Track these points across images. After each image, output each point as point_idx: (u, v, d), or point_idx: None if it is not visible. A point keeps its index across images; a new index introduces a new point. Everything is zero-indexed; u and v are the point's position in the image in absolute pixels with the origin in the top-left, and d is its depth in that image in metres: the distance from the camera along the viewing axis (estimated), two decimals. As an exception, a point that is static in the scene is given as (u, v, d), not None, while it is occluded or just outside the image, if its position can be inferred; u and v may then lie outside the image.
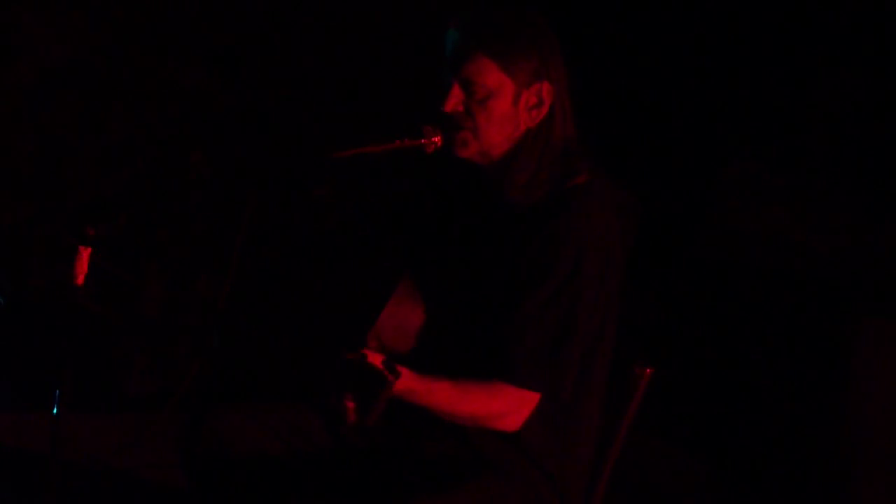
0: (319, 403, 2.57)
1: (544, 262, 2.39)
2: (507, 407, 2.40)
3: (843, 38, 4.01)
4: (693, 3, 4.24)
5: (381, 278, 2.57)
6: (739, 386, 4.00)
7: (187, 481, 2.57)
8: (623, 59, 4.34)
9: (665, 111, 4.28)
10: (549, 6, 2.56)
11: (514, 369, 2.37)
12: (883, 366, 3.65)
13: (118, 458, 3.86)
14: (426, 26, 2.72)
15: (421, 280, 2.55)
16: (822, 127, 4.11)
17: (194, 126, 4.46)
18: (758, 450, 3.92)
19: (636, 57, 4.33)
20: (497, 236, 2.48)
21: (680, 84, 4.27)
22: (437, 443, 2.50)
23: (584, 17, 4.26)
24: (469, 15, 2.46)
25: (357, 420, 2.22)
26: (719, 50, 4.21)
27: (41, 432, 2.59)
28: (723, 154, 4.19)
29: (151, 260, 4.42)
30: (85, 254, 2.31)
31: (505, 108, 2.46)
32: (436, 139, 2.47)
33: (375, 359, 2.23)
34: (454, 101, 2.46)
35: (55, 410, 2.38)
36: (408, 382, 2.31)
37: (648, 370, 2.58)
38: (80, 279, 2.33)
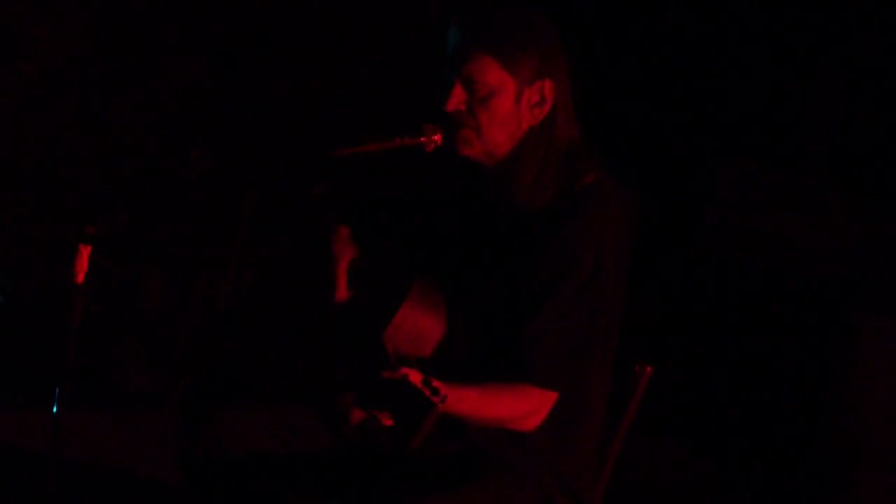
0: (321, 405, 2.57)
1: (563, 265, 2.38)
2: (531, 408, 2.40)
3: (843, 39, 4.02)
4: (694, 3, 4.24)
5: (388, 278, 2.57)
6: (739, 384, 4.00)
7: (185, 480, 2.57)
8: (623, 58, 4.34)
9: (665, 110, 4.28)
10: (550, 4, 2.56)
11: (537, 370, 2.37)
12: (883, 364, 3.65)
13: (117, 456, 3.86)
14: (427, 24, 2.72)
15: (434, 283, 2.55)
16: (822, 126, 4.11)
17: (194, 125, 4.46)
18: (758, 448, 3.92)
19: (636, 56, 4.33)
20: (510, 238, 2.47)
21: (680, 83, 4.27)
22: (442, 442, 2.50)
23: (585, 15, 4.26)
24: (470, 13, 2.46)
25: (401, 442, 2.19)
26: (719, 49, 4.21)
27: (41, 430, 2.58)
28: (723, 153, 4.19)
29: (151, 258, 4.42)
30: (85, 252, 2.31)
31: (507, 107, 2.45)
32: (436, 137, 2.47)
33: (415, 376, 2.20)
34: (456, 99, 2.45)
35: (55, 408, 2.38)
36: (447, 401, 2.31)
37: (648, 368, 2.58)
38: (80, 277, 2.33)
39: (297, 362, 4.25)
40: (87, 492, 3.60)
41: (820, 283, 3.92)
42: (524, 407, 2.40)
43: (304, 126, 4.46)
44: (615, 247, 2.41)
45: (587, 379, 2.43)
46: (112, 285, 4.35)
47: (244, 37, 4.49)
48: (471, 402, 2.35)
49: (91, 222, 2.32)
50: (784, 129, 4.16)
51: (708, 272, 4.13)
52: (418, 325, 2.48)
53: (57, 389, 2.36)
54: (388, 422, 2.19)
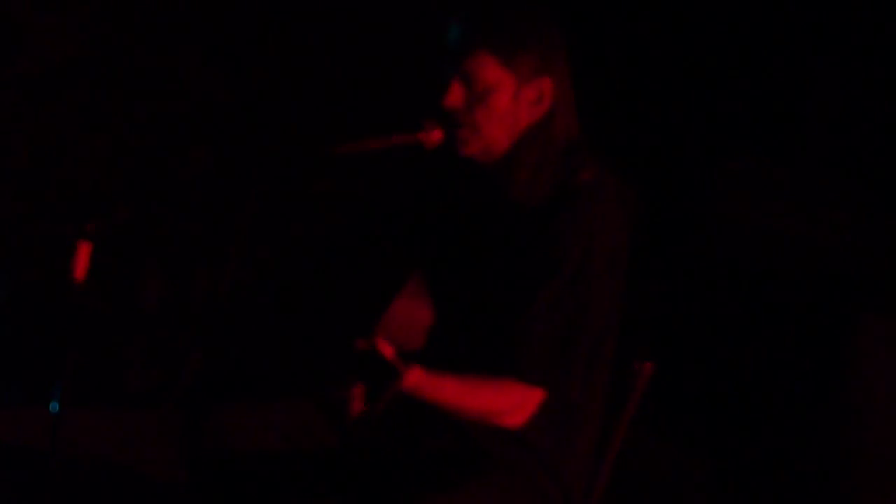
0: (323, 396, 2.57)
1: (552, 260, 2.38)
2: (514, 403, 2.40)
3: (844, 34, 4.01)
4: (693, 0, 4.24)
5: (386, 273, 2.58)
6: (739, 382, 4.00)
7: (189, 478, 2.57)
8: (623, 54, 4.34)
9: (666, 106, 4.28)
10: (550, 1, 2.56)
11: (521, 366, 2.37)
12: (884, 362, 3.65)
13: (117, 454, 3.86)
14: (428, 21, 2.72)
15: (429, 277, 2.55)
16: (823, 123, 4.11)
17: (194, 122, 4.46)
18: (758, 447, 3.92)
19: (636, 53, 4.33)
20: (503, 234, 2.47)
21: (681, 79, 4.27)
22: (441, 440, 2.50)
23: (585, 12, 4.25)
24: (470, 10, 2.46)
25: (364, 409, 2.23)
26: (720, 45, 4.20)
27: (41, 428, 2.59)
28: (724, 149, 4.19)
29: (151, 256, 4.42)
30: (85, 250, 2.31)
31: (505, 104, 2.45)
32: (436, 135, 2.47)
33: (387, 349, 2.24)
34: (454, 96, 2.45)
35: (55, 406, 2.38)
36: (417, 378, 2.31)
37: (648, 366, 2.58)
38: (80, 275, 2.32)
39: (297, 358, 4.25)
40: (86, 489, 3.60)
41: (821, 282, 3.92)
42: (506, 402, 2.40)
43: (303, 124, 4.45)
44: (607, 244, 2.41)
45: (578, 377, 2.42)
46: (112, 283, 4.35)
47: (245, 35, 4.49)
48: (450, 391, 2.35)
49: (91, 220, 2.32)
50: (785, 126, 4.16)
51: (708, 270, 4.12)
52: (412, 317, 2.49)
53: (57, 387, 2.36)
54: (358, 391, 2.24)
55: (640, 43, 4.32)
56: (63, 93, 4.29)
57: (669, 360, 2.73)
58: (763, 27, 4.14)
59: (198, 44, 4.44)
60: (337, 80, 4.51)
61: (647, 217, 2.59)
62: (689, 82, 4.26)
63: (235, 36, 4.48)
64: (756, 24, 4.15)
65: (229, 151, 4.46)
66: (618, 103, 4.24)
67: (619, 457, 2.62)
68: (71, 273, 2.32)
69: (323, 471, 2.58)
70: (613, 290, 2.45)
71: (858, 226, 3.93)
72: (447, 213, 2.63)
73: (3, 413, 3.91)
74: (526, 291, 2.39)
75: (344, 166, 2.45)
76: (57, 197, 4.30)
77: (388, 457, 2.56)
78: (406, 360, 2.24)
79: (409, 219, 2.73)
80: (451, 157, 2.49)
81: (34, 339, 4.15)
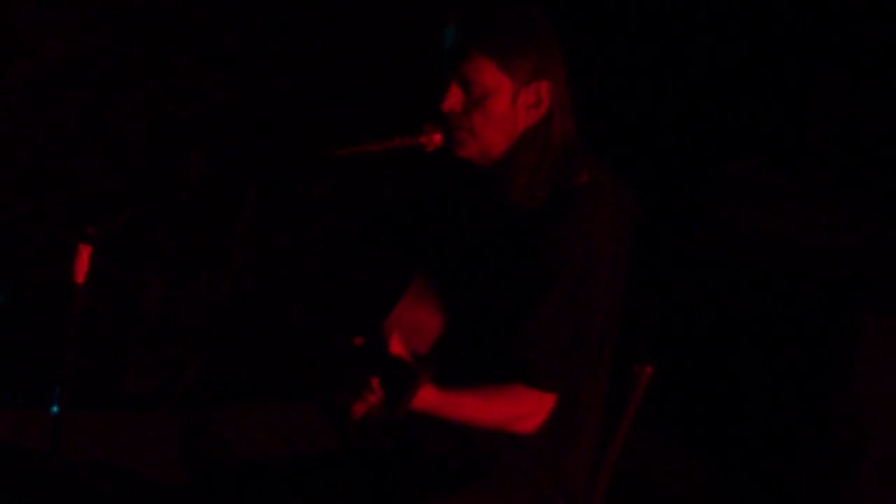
0: (325, 399, 2.57)
1: (554, 265, 2.38)
2: (527, 410, 2.40)
3: (845, 39, 4.01)
4: (695, 3, 4.24)
5: (387, 276, 2.57)
6: (740, 384, 4.00)
7: (190, 480, 2.57)
8: (624, 58, 4.34)
9: (667, 110, 4.28)
10: (549, 3, 2.56)
11: (532, 373, 2.37)
12: (884, 363, 3.65)
13: (117, 456, 3.86)
14: (426, 24, 2.72)
15: (431, 280, 2.55)
16: (824, 126, 4.11)
17: (194, 125, 4.46)
18: (758, 448, 3.92)
19: (637, 56, 4.33)
20: (503, 238, 2.47)
21: (682, 83, 4.27)
22: (441, 443, 2.50)
23: (585, 15, 4.26)
24: (467, 13, 2.46)
25: (383, 413, 2.23)
26: (721, 49, 4.21)
27: (41, 430, 2.59)
28: (724, 153, 4.19)
29: (151, 259, 4.43)
30: (85, 252, 2.31)
31: (503, 107, 2.45)
32: (436, 137, 2.47)
33: (400, 349, 2.24)
34: (452, 100, 2.45)
35: (55, 408, 2.38)
36: (435, 400, 2.32)
37: (648, 369, 2.58)
38: (81, 278, 2.33)
39: (298, 362, 4.25)
40: (86, 491, 3.60)
41: (821, 282, 3.92)
42: (520, 409, 2.40)
43: (303, 126, 4.46)
44: (608, 247, 2.41)
45: (582, 380, 2.43)
46: (112, 285, 4.35)
47: (244, 37, 4.49)
48: (468, 408, 2.36)
49: (91, 222, 2.32)
50: (786, 130, 4.16)
51: (708, 272, 4.13)
52: (417, 320, 2.49)
53: (57, 389, 2.36)
54: (373, 397, 2.23)
55: (643, 47, 4.33)
56: (63, 96, 4.29)
57: (670, 363, 2.73)
58: (765, 32, 4.15)
59: (198, 47, 4.44)
60: (337, 83, 4.51)
61: (648, 219, 2.59)
62: (691, 86, 4.26)
63: (235, 40, 4.49)
64: (758, 29, 4.15)
65: (230, 155, 4.46)
66: (621, 107, 4.24)
67: (620, 459, 2.62)
68: (71, 276, 2.32)
69: (324, 474, 2.58)
70: (614, 292, 2.46)
71: (858, 228, 3.94)
72: (447, 215, 2.63)
73: (4, 415, 3.91)
74: (530, 295, 2.39)
75: (344, 169, 2.44)
76: (57, 200, 4.30)
77: (389, 460, 2.56)
78: (420, 363, 2.25)
79: (410, 222, 2.73)
80: (451, 160, 2.49)
81: (34, 341, 4.15)
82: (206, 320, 4.47)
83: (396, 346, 2.27)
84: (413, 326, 2.47)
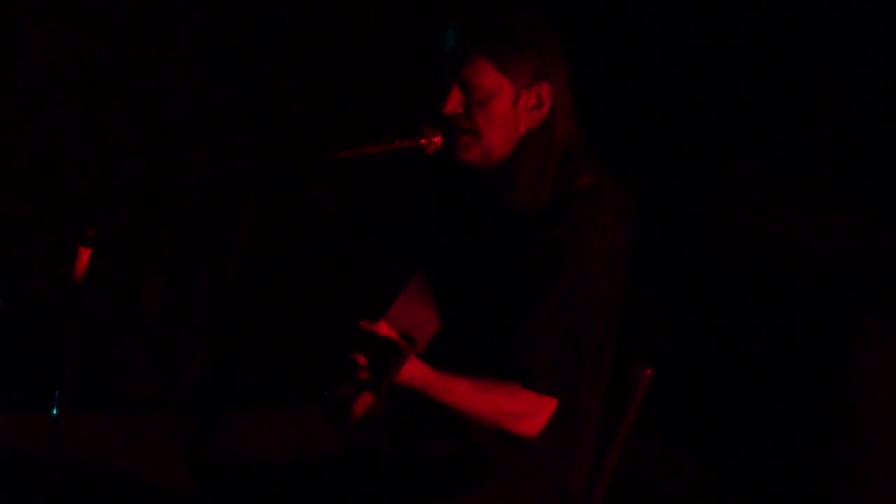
0: (326, 396, 2.57)
1: (552, 266, 2.38)
2: (525, 409, 2.40)
3: (844, 38, 4.01)
4: (694, 3, 4.24)
5: (387, 277, 2.58)
6: (739, 387, 4.00)
7: (194, 483, 2.57)
8: (623, 59, 4.34)
9: (666, 112, 4.28)
10: (549, 5, 2.55)
11: (530, 374, 2.37)
12: (883, 366, 3.65)
13: (118, 459, 3.86)
14: (427, 25, 2.72)
15: (431, 280, 2.55)
16: (823, 128, 4.11)
17: (194, 126, 4.46)
18: (758, 451, 3.91)
19: (636, 57, 4.33)
20: (504, 239, 2.47)
21: (681, 84, 4.27)
22: (442, 444, 2.50)
23: (585, 16, 4.26)
24: (467, 16, 2.45)
25: (369, 390, 2.23)
26: (720, 50, 4.20)
27: (41, 432, 2.58)
28: (723, 155, 4.19)
29: (151, 260, 4.42)
30: (85, 254, 2.31)
31: (504, 110, 2.45)
32: (436, 139, 2.47)
33: (388, 330, 2.25)
34: (453, 103, 2.45)
35: (55, 411, 2.38)
36: (426, 377, 2.31)
37: (648, 371, 2.58)
38: (81, 279, 2.32)
39: (298, 362, 4.25)
40: (86, 494, 3.60)
41: (821, 285, 3.92)
42: (516, 406, 2.39)
43: (304, 128, 4.46)
44: (607, 249, 2.41)
45: (584, 382, 2.42)
46: (112, 287, 4.35)
47: (244, 39, 4.49)
48: (460, 393, 2.35)
49: (91, 224, 2.32)
50: (787, 132, 4.16)
51: (708, 274, 4.12)
52: (415, 316, 2.49)
53: (57, 391, 2.36)
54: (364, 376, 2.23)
55: (643, 49, 4.33)
56: (63, 97, 4.29)
57: (669, 365, 2.72)
58: (764, 33, 4.14)
59: (198, 49, 4.45)
60: (337, 84, 4.51)
61: (648, 221, 2.59)
62: (690, 88, 4.26)
63: (236, 41, 4.49)
64: (758, 30, 4.15)
65: (229, 156, 4.46)
66: (619, 108, 4.24)
67: (620, 460, 2.62)
68: (71, 277, 2.31)
69: (327, 476, 2.58)
70: (613, 295, 2.45)
71: (860, 231, 3.93)
72: (448, 217, 2.63)
73: (4, 418, 3.91)
74: (529, 297, 2.39)
75: (344, 171, 2.44)
76: (57, 202, 4.30)
77: (391, 461, 2.56)
78: (411, 338, 2.25)
79: (410, 223, 2.74)
80: (452, 162, 2.49)
81: (34, 343, 4.15)
82: (207, 322, 4.47)
83: (384, 328, 2.27)
84: (410, 323, 2.47)
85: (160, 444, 3.92)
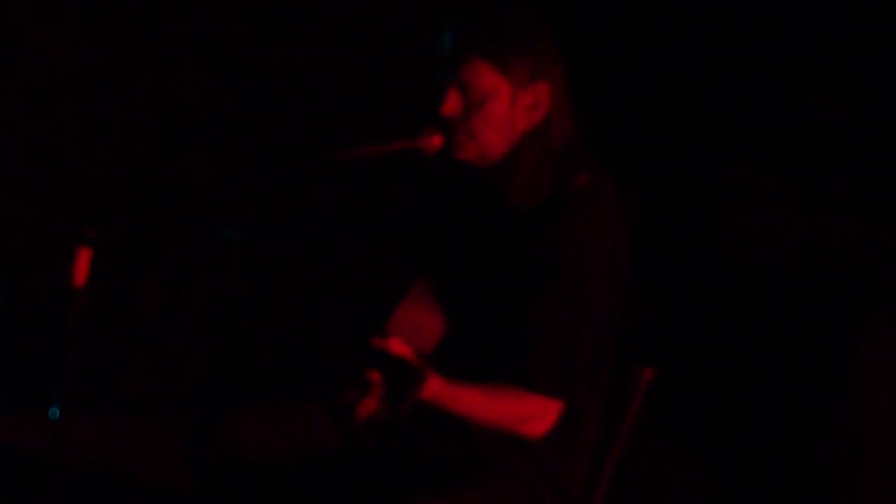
0: (328, 399, 2.56)
1: (551, 268, 2.38)
2: (531, 412, 2.39)
3: (845, 40, 4.01)
4: (694, 4, 4.24)
5: (387, 278, 2.58)
6: (741, 387, 4.00)
7: (194, 484, 2.57)
8: (624, 60, 4.34)
9: (666, 112, 4.28)
10: (548, 5, 2.55)
11: (533, 377, 2.37)
12: (885, 366, 3.65)
13: (118, 460, 3.86)
14: (426, 26, 2.72)
15: (432, 283, 2.55)
16: (824, 128, 4.11)
17: (194, 127, 4.46)
18: (760, 451, 3.91)
19: (637, 58, 4.33)
20: (502, 240, 2.47)
21: (681, 85, 4.27)
22: (441, 445, 2.50)
23: (584, 16, 4.26)
24: (463, 17, 2.45)
25: (385, 412, 2.21)
26: (721, 51, 4.20)
27: (41, 434, 2.58)
28: (725, 155, 4.19)
29: (152, 261, 4.42)
30: (85, 255, 2.31)
31: (501, 110, 2.45)
32: (434, 140, 2.47)
33: (404, 349, 2.22)
34: (451, 104, 2.45)
35: (55, 411, 2.38)
36: (438, 388, 2.31)
37: (649, 371, 2.58)
38: (81, 281, 2.32)
39: (298, 363, 4.25)
40: (86, 495, 3.60)
41: (822, 285, 3.92)
42: (524, 409, 2.39)
43: (303, 129, 4.46)
44: (605, 248, 2.41)
45: (584, 383, 2.42)
46: (112, 288, 4.35)
47: (244, 41, 4.49)
48: (469, 401, 2.34)
49: (91, 226, 2.32)
50: (787, 133, 4.16)
51: (709, 274, 4.12)
52: (418, 322, 2.48)
53: (57, 392, 2.36)
54: (374, 399, 2.20)
55: (642, 49, 4.33)
56: (63, 99, 4.29)
57: (670, 365, 2.72)
58: (766, 34, 4.14)
59: (197, 51, 4.45)
60: (336, 86, 4.51)
61: (648, 222, 2.59)
62: (691, 89, 4.26)
63: (234, 44, 4.49)
64: (759, 30, 4.15)
65: (229, 158, 4.46)
66: (619, 110, 4.24)
67: (620, 461, 2.62)
68: (71, 279, 2.32)
69: (328, 476, 2.58)
70: (613, 294, 2.45)
71: (860, 231, 3.93)
72: (447, 218, 2.63)
73: (4, 419, 3.91)
74: (529, 298, 2.39)
75: (343, 172, 2.44)
76: (57, 203, 4.30)
77: (390, 462, 2.56)
78: (423, 359, 2.22)
79: (409, 224, 2.73)
80: (450, 163, 2.49)
81: (34, 344, 4.15)
82: (207, 323, 4.47)
83: (398, 345, 2.26)
84: (414, 330, 2.46)
85: (160, 444, 3.92)
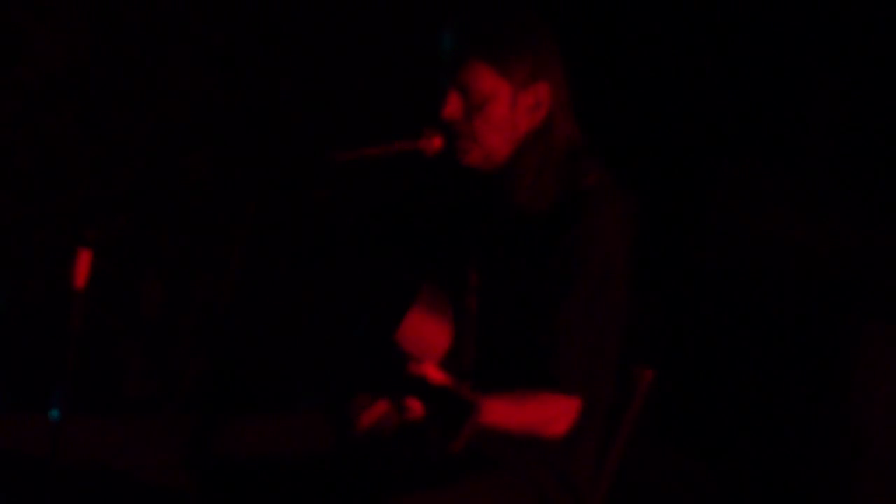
0: (332, 410, 2.56)
1: (573, 268, 2.38)
2: (555, 413, 2.39)
3: (844, 38, 4.01)
4: (692, 2, 4.24)
5: (388, 282, 2.57)
6: (741, 388, 4.00)
7: (193, 485, 2.57)
8: (621, 58, 4.34)
9: (664, 111, 4.28)
10: (545, 4, 2.55)
11: (559, 378, 2.36)
12: (885, 367, 3.65)
13: (118, 461, 3.85)
14: (428, 26, 2.72)
15: (440, 290, 2.55)
16: (823, 127, 4.11)
17: (193, 127, 4.46)
18: (760, 452, 3.91)
19: (634, 56, 4.33)
20: (514, 243, 2.47)
21: (679, 84, 4.27)
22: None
23: (582, 15, 4.25)
24: (462, 19, 2.45)
25: (440, 446, 2.13)
26: (719, 49, 4.20)
27: (41, 435, 2.58)
28: (723, 155, 4.19)
29: (152, 262, 4.42)
30: (85, 256, 2.31)
31: (503, 112, 2.45)
32: (435, 142, 2.46)
33: (444, 378, 2.14)
34: (452, 107, 2.45)
35: (55, 413, 2.38)
36: (486, 412, 2.28)
37: (649, 372, 2.58)
38: (81, 282, 2.32)
39: (298, 366, 4.25)
40: (85, 495, 3.60)
41: (822, 286, 3.92)
42: (550, 412, 2.39)
43: (303, 130, 4.45)
44: (623, 246, 2.42)
45: (610, 382, 2.43)
46: (112, 289, 4.35)
47: (244, 42, 4.49)
48: (499, 413, 2.29)
49: (91, 226, 2.32)
50: (786, 132, 4.15)
51: (708, 274, 4.12)
52: (425, 333, 2.48)
53: (57, 393, 2.36)
54: (414, 413, 2.11)
55: (638, 47, 4.32)
56: (62, 99, 4.29)
57: (670, 366, 2.72)
58: (764, 32, 4.14)
59: (197, 51, 4.44)
60: (337, 86, 4.51)
61: (646, 221, 2.59)
62: (688, 87, 4.26)
63: (234, 43, 4.49)
64: (757, 29, 4.15)
65: (229, 158, 4.46)
66: (616, 109, 4.24)
67: (621, 462, 2.62)
68: (71, 280, 2.31)
69: (323, 477, 2.58)
70: (628, 293, 2.46)
71: (860, 232, 3.93)
72: (451, 221, 2.62)
73: (4, 420, 3.91)
74: (550, 301, 2.38)
75: (344, 173, 2.44)
76: (57, 203, 4.30)
77: (386, 460, 2.56)
78: (470, 388, 2.15)
79: (412, 226, 2.73)
80: (453, 165, 2.49)
81: (34, 345, 4.14)
82: (207, 324, 4.47)
83: (436, 373, 2.15)
84: (421, 341, 2.46)
85: (159, 445, 3.92)
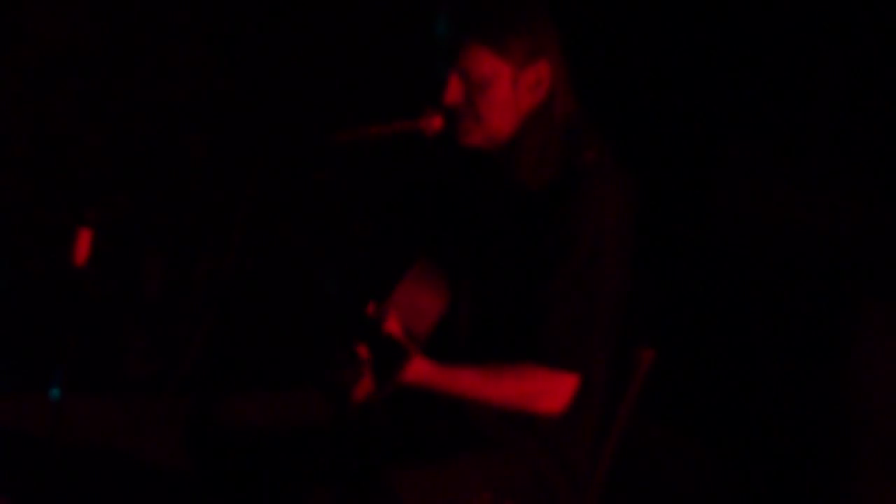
0: (325, 380, 2.57)
1: (564, 243, 2.38)
2: (541, 387, 2.39)
3: (847, 20, 4.00)
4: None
5: (390, 260, 2.57)
6: (740, 369, 4.00)
7: (192, 463, 2.58)
8: (624, 39, 4.33)
9: (668, 92, 4.27)
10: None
11: (544, 350, 2.37)
12: (886, 349, 3.65)
13: (118, 440, 3.86)
14: (427, 8, 2.72)
15: (437, 263, 2.55)
16: (826, 109, 4.10)
17: (194, 110, 4.46)
18: (759, 432, 3.92)
19: (638, 38, 4.32)
20: (512, 218, 2.48)
21: (683, 65, 4.26)
22: (438, 420, 2.51)
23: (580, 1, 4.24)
24: (458, 3, 2.45)
25: (371, 390, 2.21)
26: (723, 30, 4.19)
27: (41, 414, 2.59)
28: (725, 136, 4.18)
29: (152, 242, 4.43)
30: (86, 236, 2.31)
31: (504, 93, 2.45)
32: (435, 122, 2.46)
33: (395, 328, 2.23)
34: (453, 92, 2.45)
35: (55, 392, 2.38)
36: (430, 375, 2.31)
37: (650, 353, 2.58)
38: (81, 261, 2.33)
39: (299, 345, 4.25)
40: (86, 475, 3.61)
41: (823, 267, 3.92)
42: (531, 386, 2.40)
43: (303, 111, 4.45)
44: (616, 222, 2.41)
45: (597, 358, 2.43)
46: (113, 269, 4.35)
47: (245, 22, 4.48)
48: (467, 382, 2.35)
49: (92, 206, 2.32)
50: (787, 114, 4.15)
51: (710, 255, 4.12)
52: (416, 303, 2.49)
53: (57, 373, 2.36)
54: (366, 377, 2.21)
55: (642, 30, 4.31)
56: (63, 81, 4.29)
57: (671, 346, 2.73)
58: (767, 14, 4.13)
59: (196, 32, 4.44)
60: (336, 67, 4.51)
61: (648, 202, 2.59)
62: (692, 68, 4.25)
63: (234, 25, 4.48)
64: (760, 11, 4.14)
65: (229, 139, 4.46)
66: (620, 90, 4.23)
67: (621, 442, 2.62)
68: (72, 260, 2.32)
69: (323, 457, 2.59)
70: (623, 270, 2.46)
71: (861, 212, 3.93)
72: (451, 199, 2.63)
73: (5, 399, 3.92)
74: (540, 275, 2.39)
75: (344, 154, 2.44)
76: (57, 184, 4.30)
77: (382, 437, 2.57)
78: (414, 342, 2.23)
79: (412, 206, 2.73)
80: (455, 146, 2.49)
81: (35, 325, 4.15)
82: (207, 304, 4.47)
83: (391, 324, 2.26)
84: (413, 310, 2.46)
85: (159, 425, 3.93)
